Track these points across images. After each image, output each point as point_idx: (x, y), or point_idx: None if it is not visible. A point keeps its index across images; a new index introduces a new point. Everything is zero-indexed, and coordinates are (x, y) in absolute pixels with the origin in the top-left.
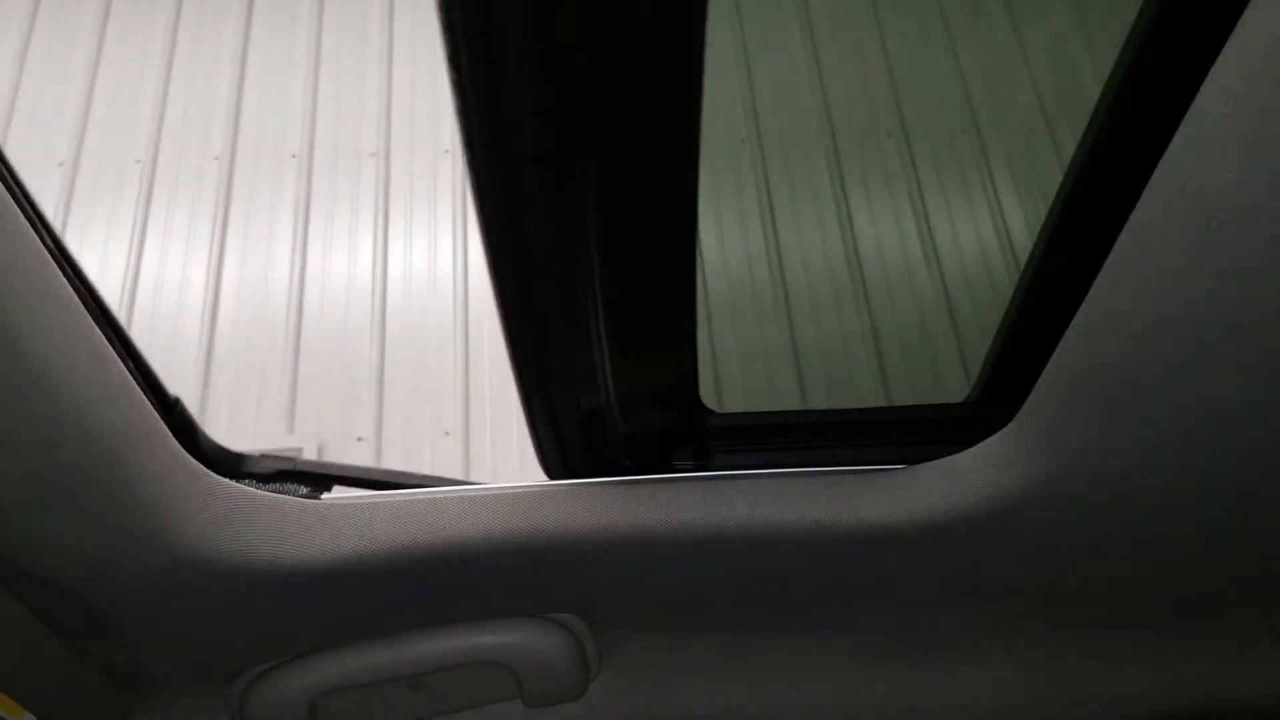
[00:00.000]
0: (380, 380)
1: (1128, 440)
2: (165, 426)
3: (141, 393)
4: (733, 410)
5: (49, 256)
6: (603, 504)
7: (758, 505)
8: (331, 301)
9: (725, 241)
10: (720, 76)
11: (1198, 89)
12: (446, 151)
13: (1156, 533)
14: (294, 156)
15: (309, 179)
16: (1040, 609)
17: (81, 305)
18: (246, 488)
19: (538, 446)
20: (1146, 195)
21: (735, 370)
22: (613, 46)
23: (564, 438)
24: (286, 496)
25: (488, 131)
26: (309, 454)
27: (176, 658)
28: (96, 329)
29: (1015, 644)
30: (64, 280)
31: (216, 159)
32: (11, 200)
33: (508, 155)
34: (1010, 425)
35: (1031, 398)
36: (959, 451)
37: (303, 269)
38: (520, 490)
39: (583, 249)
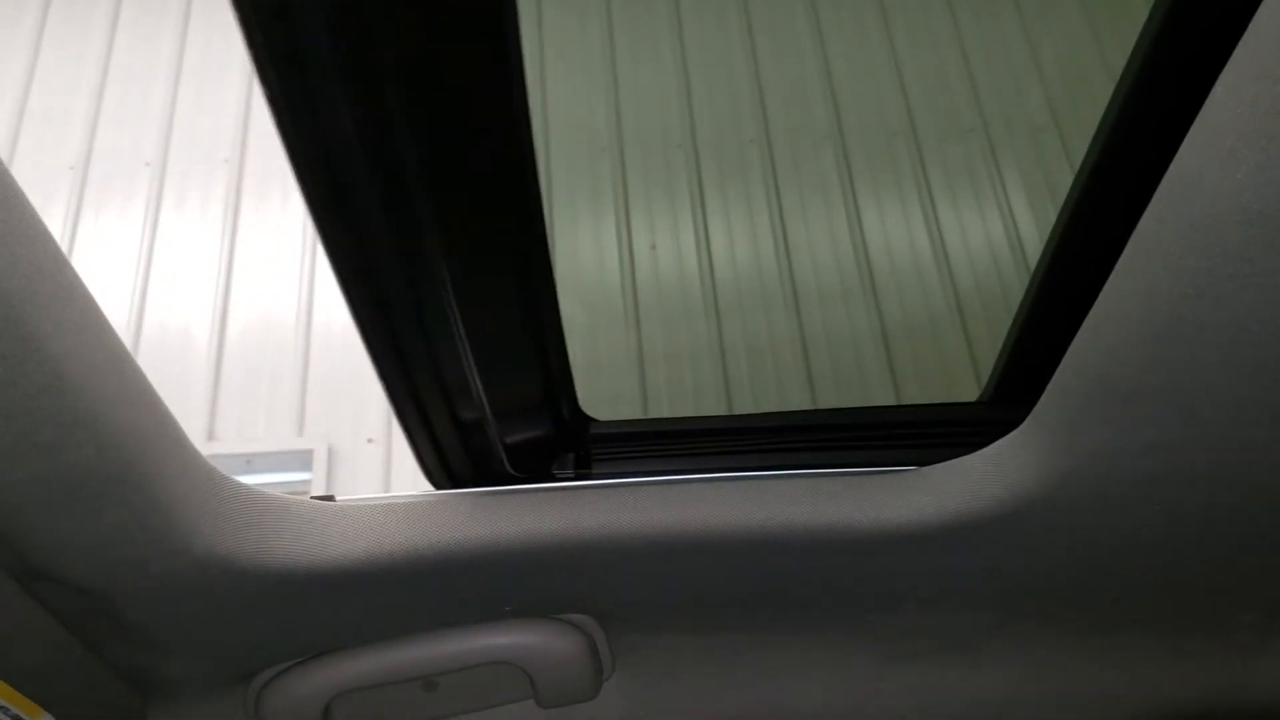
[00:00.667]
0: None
1: (1140, 442)
2: (182, 428)
3: (158, 395)
4: (622, 418)
5: (66, 260)
6: (614, 505)
7: (770, 506)
8: (343, 303)
9: (734, 241)
10: (728, 76)
11: (1209, 90)
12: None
13: (1169, 533)
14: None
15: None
16: (1052, 609)
17: (98, 308)
18: (262, 490)
19: (417, 457)
20: (1157, 196)
21: (743, 368)
22: (418, 56)
23: (444, 448)
24: (301, 498)
25: (308, 147)
26: (319, 456)
27: (194, 658)
28: (113, 332)
29: (1027, 644)
30: (81, 283)
31: (226, 161)
32: (30, 204)
33: (333, 171)
34: (1022, 426)
35: (1043, 399)
36: (970, 452)
37: (313, 270)
38: (531, 491)
39: (427, 265)
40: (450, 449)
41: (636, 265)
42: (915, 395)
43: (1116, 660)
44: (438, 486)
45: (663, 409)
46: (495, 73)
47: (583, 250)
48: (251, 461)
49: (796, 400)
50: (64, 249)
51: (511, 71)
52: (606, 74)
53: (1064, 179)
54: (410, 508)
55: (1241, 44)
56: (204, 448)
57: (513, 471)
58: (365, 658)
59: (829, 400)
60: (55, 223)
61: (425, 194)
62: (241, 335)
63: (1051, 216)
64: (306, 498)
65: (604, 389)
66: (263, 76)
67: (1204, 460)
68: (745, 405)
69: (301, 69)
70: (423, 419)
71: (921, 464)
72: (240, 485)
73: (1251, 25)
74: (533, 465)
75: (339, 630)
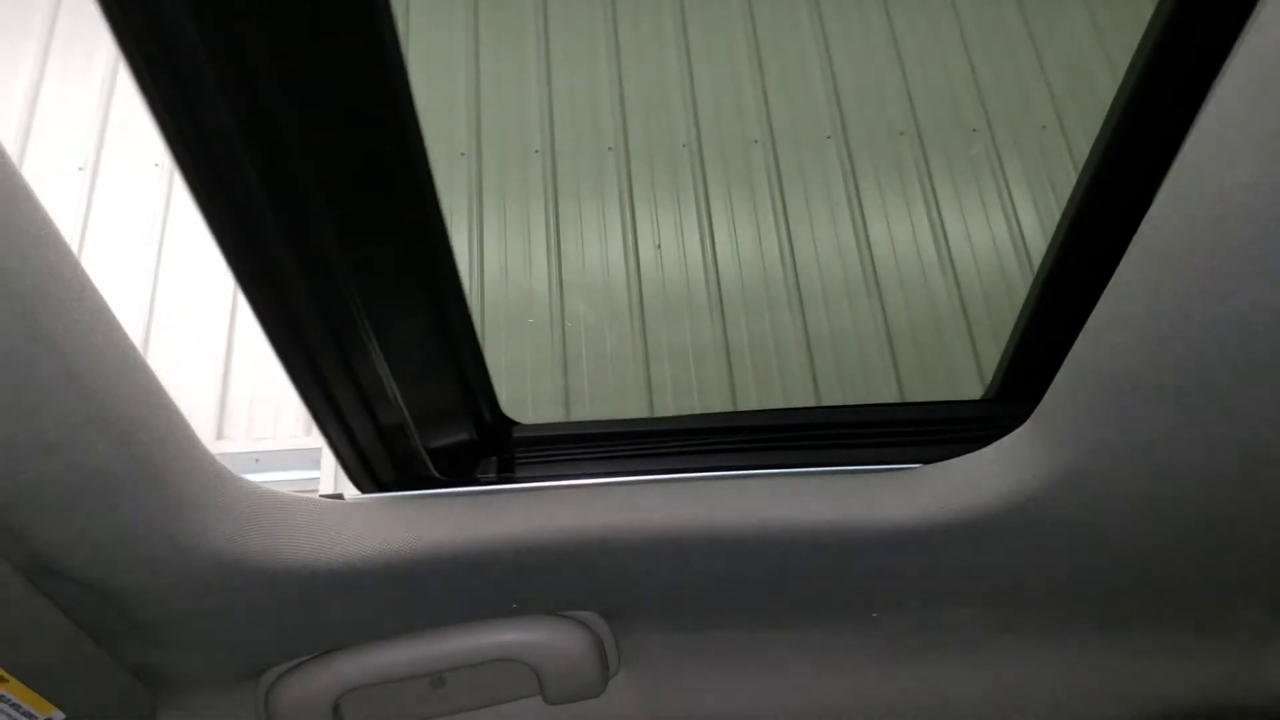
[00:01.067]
0: None
1: (1144, 439)
2: (191, 428)
3: (168, 394)
4: (542, 421)
5: (77, 261)
6: (619, 504)
7: (775, 504)
8: None
9: (739, 240)
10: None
11: (1211, 88)
12: (463, 154)
13: (1171, 531)
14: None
15: None
16: (1054, 607)
17: (109, 309)
18: (272, 489)
19: (339, 459)
20: (1161, 194)
21: (748, 365)
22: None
23: (365, 452)
24: (311, 496)
25: (193, 150)
26: (328, 454)
27: (204, 655)
28: (124, 332)
29: (1030, 642)
30: (92, 284)
31: None
32: (41, 206)
33: (220, 176)
34: (1026, 424)
35: (1047, 397)
36: (974, 450)
37: None
38: (539, 489)
39: (328, 271)
40: (372, 453)
41: (642, 264)
42: (919, 393)
43: (1118, 658)
44: (361, 490)
45: (667, 405)
46: (373, 79)
47: (589, 249)
48: (260, 460)
49: (801, 397)
50: (74, 248)
51: (391, 80)
52: (612, 75)
53: (1068, 178)
54: (419, 505)
55: (1243, 43)
56: (213, 446)
57: (436, 475)
58: (374, 654)
59: (833, 398)
60: (66, 223)
61: (320, 201)
62: (251, 334)
63: (1055, 215)
64: (315, 496)
65: (609, 383)
66: (139, 82)
67: (1207, 458)
68: (749, 402)
69: (174, 71)
70: (341, 423)
71: (926, 462)
72: (250, 484)
73: (1252, 24)
74: (456, 469)
75: (348, 627)
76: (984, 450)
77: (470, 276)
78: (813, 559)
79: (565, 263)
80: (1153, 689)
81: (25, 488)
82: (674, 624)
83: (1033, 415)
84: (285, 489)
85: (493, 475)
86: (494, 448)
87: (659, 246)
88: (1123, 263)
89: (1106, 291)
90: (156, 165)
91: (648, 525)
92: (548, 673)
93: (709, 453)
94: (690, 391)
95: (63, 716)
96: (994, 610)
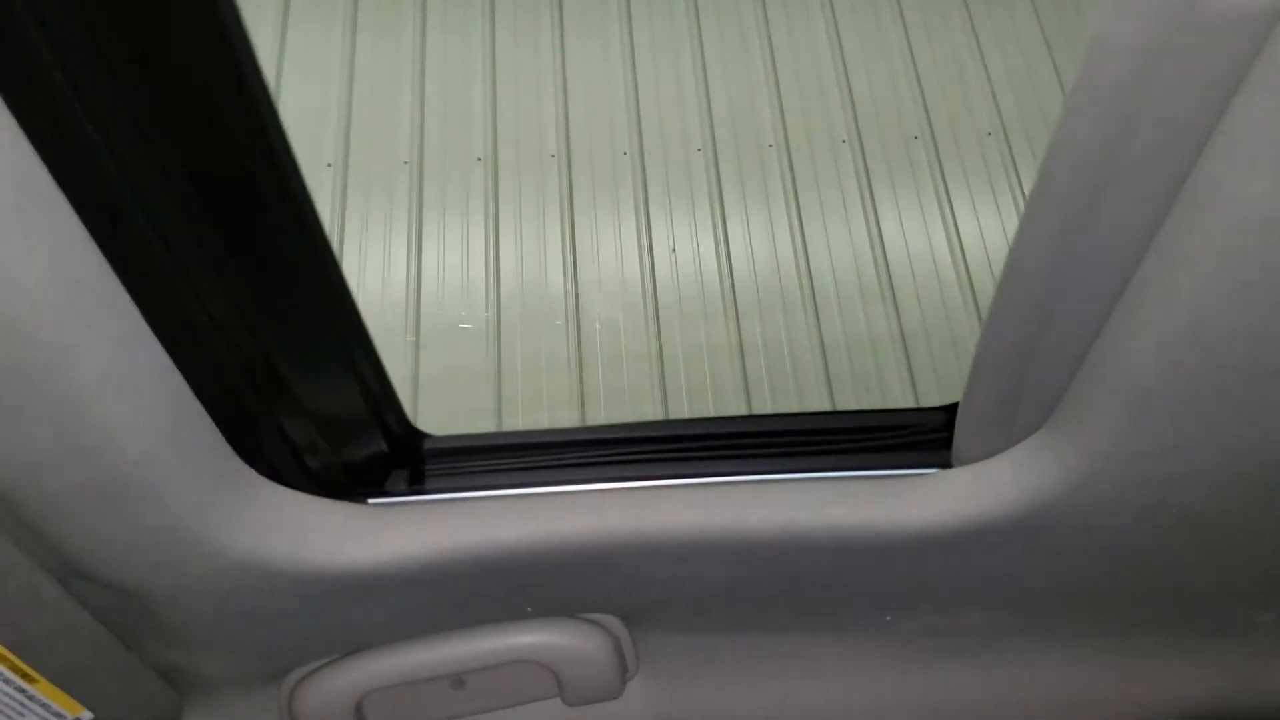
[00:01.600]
0: (416, 380)
1: (1160, 445)
2: (220, 434)
3: (199, 401)
4: (452, 433)
5: (110, 270)
6: (639, 507)
7: (794, 508)
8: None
9: (753, 243)
10: (750, 82)
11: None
12: (480, 159)
13: (1191, 536)
14: (329, 166)
15: (344, 189)
16: (1070, 611)
17: (143, 318)
18: (297, 492)
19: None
20: (1179, 202)
21: (762, 368)
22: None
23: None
24: (334, 501)
25: (63, 165)
26: None
27: (229, 657)
28: (155, 340)
29: (1046, 646)
30: (124, 294)
31: None
32: (74, 215)
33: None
34: (1042, 430)
35: (1063, 402)
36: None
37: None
38: (558, 493)
39: (207, 287)
40: (286, 464)
41: (656, 268)
42: (934, 397)
43: (1135, 662)
44: None
45: (683, 408)
46: (230, 91)
47: (604, 254)
48: None
49: (815, 400)
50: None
51: (248, 94)
52: (628, 81)
53: None
54: (440, 509)
55: (1262, 53)
56: None
57: (351, 486)
58: (395, 656)
59: (847, 402)
60: None
61: (199, 215)
62: None
63: None
64: (338, 500)
65: (623, 385)
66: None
67: (1222, 464)
68: (763, 404)
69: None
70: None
71: (942, 467)
72: (276, 488)
73: (1271, 37)
74: (366, 481)
75: (370, 629)
76: (999, 455)
77: (487, 279)
78: (830, 562)
79: (581, 266)
80: (1168, 693)
81: (57, 493)
82: (692, 627)
83: (1048, 421)
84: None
85: (403, 487)
86: (404, 460)
87: (674, 251)
88: (1139, 270)
89: (1122, 299)
90: None
91: (668, 529)
92: (566, 674)
93: (540, 469)
94: (704, 394)
95: (91, 717)
96: (1010, 614)
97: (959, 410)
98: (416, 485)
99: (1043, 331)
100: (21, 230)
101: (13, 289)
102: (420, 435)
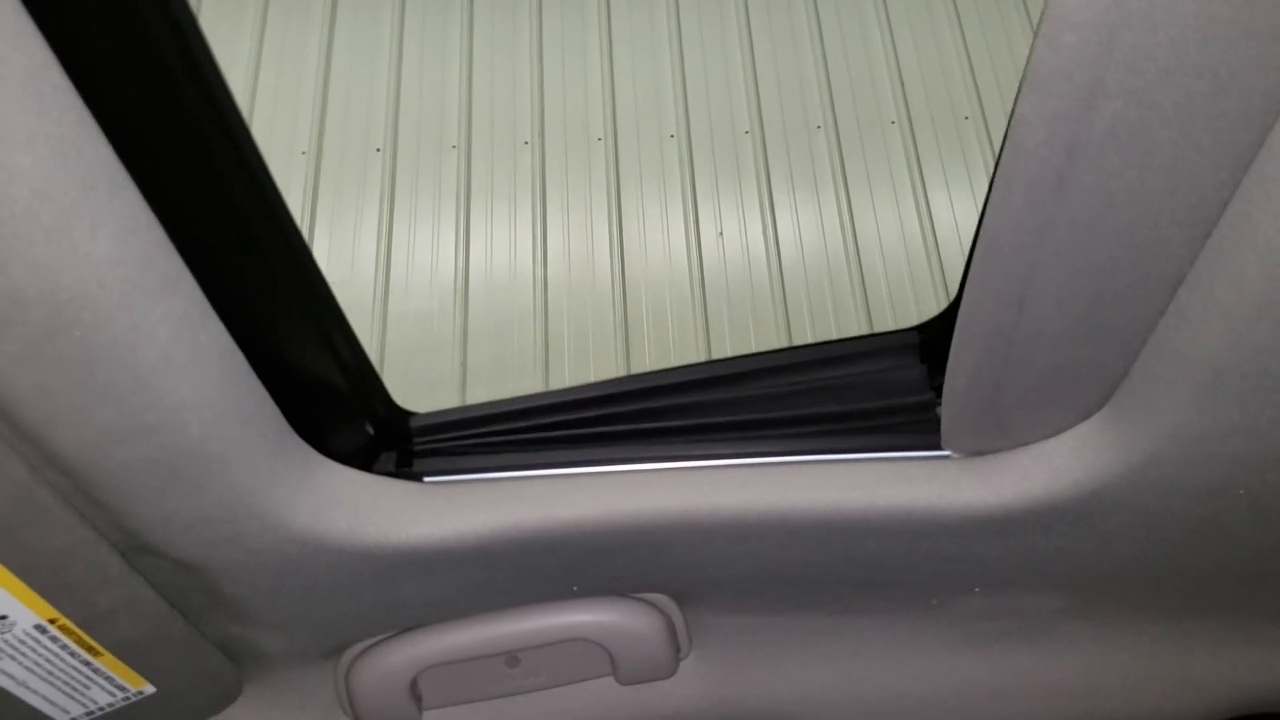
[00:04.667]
0: (465, 366)
1: (1224, 425)
2: (280, 410)
3: (257, 378)
4: (441, 408)
5: (174, 249)
6: (691, 486)
7: (849, 488)
8: (420, 281)
9: (801, 226)
10: (798, 63)
11: None
12: (526, 143)
13: (1251, 518)
14: (378, 150)
15: (393, 174)
16: (1127, 594)
17: (203, 296)
18: (355, 470)
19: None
20: (1247, 180)
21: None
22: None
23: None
24: (391, 478)
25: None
26: None
27: (287, 633)
28: (217, 318)
29: (1101, 629)
30: (188, 272)
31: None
32: (140, 195)
33: None
34: (1103, 410)
35: (1125, 381)
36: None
37: (389, 253)
38: (610, 472)
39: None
40: (344, 442)
41: (704, 250)
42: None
43: (1193, 646)
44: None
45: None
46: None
47: (651, 237)
48: None
49: None
50: None
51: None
52: (674, 63)
53: None
54: (495, 487)
55: None
56: None
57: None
58: (450, 633)
59: None
60: None
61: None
62: None
63: None
64: (395, 477)
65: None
66: None
67: None
68: None
69: None
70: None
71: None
72: (334, 464)
73: None
74: (355, 461)
75: (425, 606)
76: (1061, 435)
77: (534, 265)
78: (884, 544)
79: (628, 250)
80: (1229, 678)
81: (122, 468)
82: (743, 607)
83: (1110, 401)
84: None
85: (391, 467)
86: (391, 439)
87: (720, 234)
88: (1206, 247)
89: (1189, 278)
90: None
91: (721, 509)
92: (619, 653)
93: (531, 445)
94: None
95: (154, 690)
96: (1066, 597)
97: (943, 396)
98: (405, 468)
99: (1020, 312)
100: (89, 208)
101: (80, 266)
102: (406, 414)
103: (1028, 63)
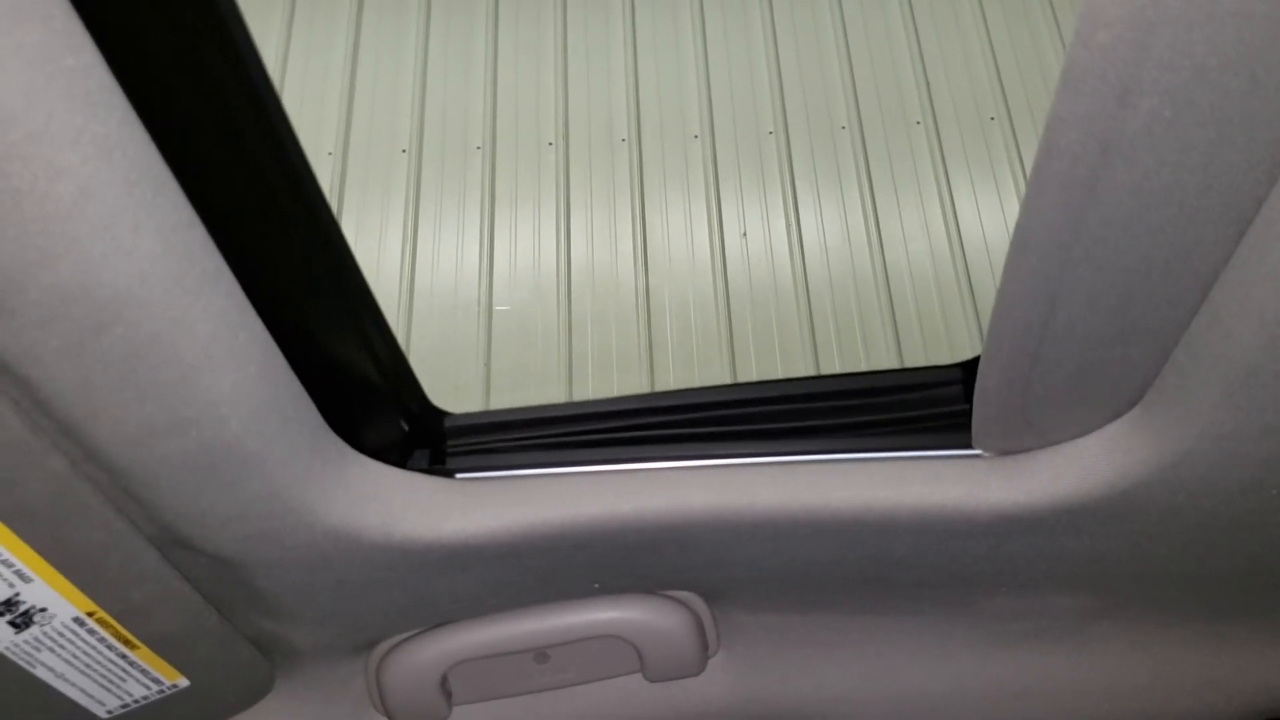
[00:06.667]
0: (489, 367)
1: (1257, 425)
2: (315, 406)
3: (295, 374)
4: (475, 410)
5: (214, 246)
6: (722, 485)
7: (878, 487)
8: (446, 274)
9: (825, 226)
10: (822, 63)
11: None
12: (550, 144)
13: None
14: (404, 151)
15: (419, 173)
16: (1157, 595)
17: (242, 292)
18: (389, 466)
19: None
20: None
21: (834, 352)
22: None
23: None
24: (423, 474)
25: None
26: None
27: (320, 628)
28: (255, 315)
29: (1131, 630)
30: (227, 268)
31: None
32: (181, 192)
33: None
34: (1135, 409)
35: (1157, 381)
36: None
37: (414, 250)
38: (641, 469)
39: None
40: (377, 438)
41: (727, 252)
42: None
43: (1223, 648)
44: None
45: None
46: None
47: (674, 237)
48: None
49: None
50: None
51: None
52: (699, 62)
53: None
54: (526, 484)
55: None
56: None
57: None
58: (480, 629)
59: None
60: None
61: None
62: None
63: None
64: (428, 474)
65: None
66: None
67: None
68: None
69: None
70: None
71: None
72: (368, 460)
73: None
74: (395, 457)
75: (456, 602)
76: (1092, 434)
77: (558, 262)
78: (914, 543)
79: (651, 251)
80: (1259, 680)
81: (161, 463)
82: (772, 606)
83: (1142, 400)
84: None
85: (424, 468)
86: (424, 439)
87: (744, 235)
88: (1241, 246)
89: (1223, 276)
90: None
91: (751, 507)
92: (648, 651)
93: (560, 447)
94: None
95: (188, 684)
96: (1096, 598)
97: (974, 395)
98: (437, 464)
99: (1052, 310)
100: (133, 205)
101: (124, 262)
102: (440, 414)
103: (1064, 63)
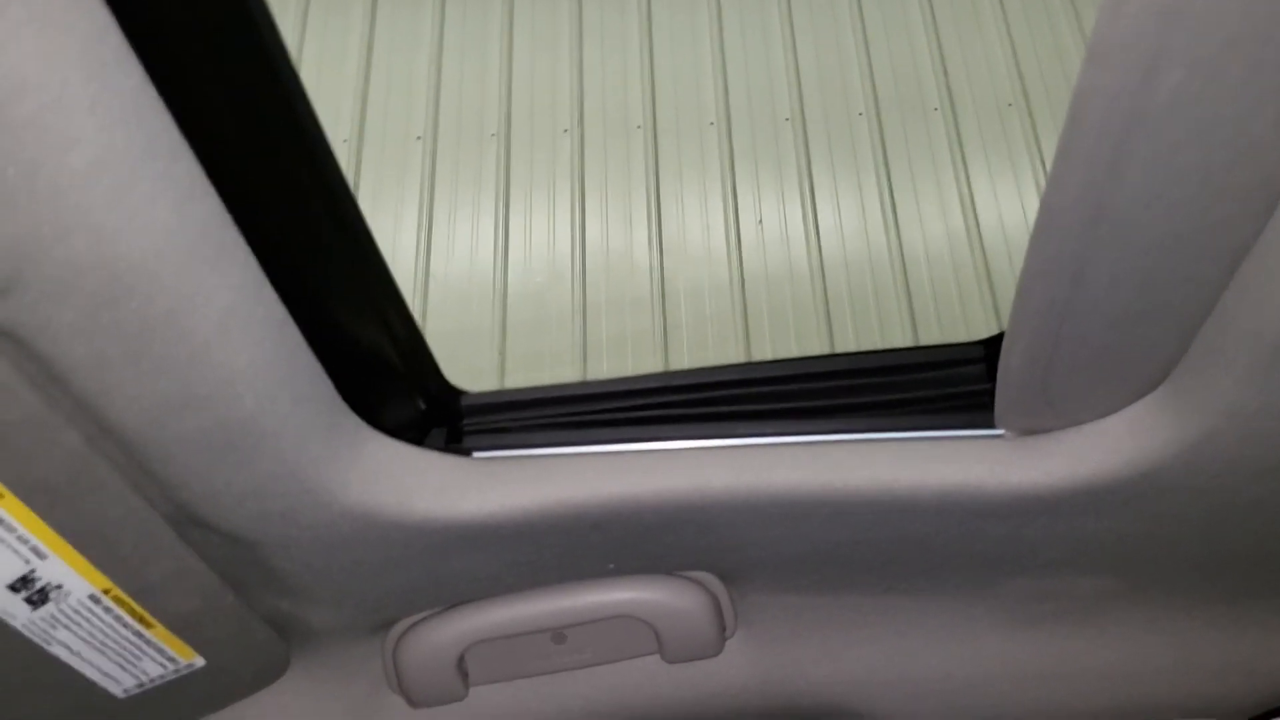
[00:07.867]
0: (503, 353)
1: None
2: (332, 384)
3: (311, 351)
4: (490, 389)
5: (230, 219)
6: (740, 464)
7: (899, 468)
8: (459, 256)
9: (841, 213)
10: (839, 49)
11: None
12: (565, 131)
13: None
14: (419, 138)
15: (433, 161)
16: (1179, 576)
17: (259, 267)
18: (406, 444)
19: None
20: None
21: (850, 339)
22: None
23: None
24: (440, 453)
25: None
26: None
27: (336, 608)
28: (272, 290)
29: (1153, 611)
30: (243, 242)
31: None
32: (197, 163)
33: None
34: (1158, 389)
35: (1182, 360)
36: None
37: (430, 231)
38: (659, 449)
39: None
40: (394, 416)
41: (743, 239)
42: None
43: (1245, 631)
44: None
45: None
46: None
47: (690, 224)
48: None
49: None
50: None
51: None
52: (715, 51)
53: None
54: (543, 463)
55: None
56: None
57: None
58: (497, 609)
59: None
60: None
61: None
62: None
63: None
64: (445, 452)
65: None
66: None
67: None
68: None
69: None
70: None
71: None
72: (385, 438)
73: None
74: (413, 435)
75: (473, 582)
76: (1115, 414)
77: (573, 247)
78: (935, 523)
79: (666, 238)
80: None
81: (176, 440)
82: (791, 586)
83: (1167, 380)
84: None
85: (442, 446)
86: (442, 417)
87: (760, 222)
88: (1269, 223)
89: (1251, 253)
90: None
91: (770, 487)
92: (666, 631)
93: (576, 426)
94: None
95: (203, 663)
96: (1117, 580)
97: (997, 374)
98: (455, 444)
99: (1075, 288)
100: (148, 176)
101: (139, 234)
102: (457, 392)
103: (1091, 35)
